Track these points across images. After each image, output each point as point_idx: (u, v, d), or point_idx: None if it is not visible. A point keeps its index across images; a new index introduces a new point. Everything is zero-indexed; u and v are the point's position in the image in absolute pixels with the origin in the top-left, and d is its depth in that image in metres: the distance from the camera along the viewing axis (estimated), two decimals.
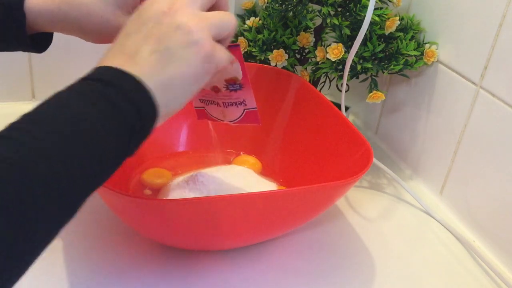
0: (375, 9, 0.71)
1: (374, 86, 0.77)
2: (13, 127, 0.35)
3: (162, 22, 0.42)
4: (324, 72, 0.77)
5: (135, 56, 0.41)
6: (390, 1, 0.76)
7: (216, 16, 0.44)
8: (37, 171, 0.33)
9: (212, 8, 0.46)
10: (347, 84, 0.77)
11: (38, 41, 0.55)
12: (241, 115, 0.57)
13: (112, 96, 0.38)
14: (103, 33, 0.53)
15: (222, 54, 0.45)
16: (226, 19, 0.45)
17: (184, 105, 0.44)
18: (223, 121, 0.59)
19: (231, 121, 0.58)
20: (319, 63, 0.76)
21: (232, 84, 0.55)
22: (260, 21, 0.82)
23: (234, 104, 0.56)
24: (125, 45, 0.43)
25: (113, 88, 0.38)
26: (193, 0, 0.44)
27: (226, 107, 0.57)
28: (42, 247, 0.34)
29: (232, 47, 0.52)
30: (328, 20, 0.72)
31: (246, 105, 0.56)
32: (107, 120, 0.38)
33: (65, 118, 0.36)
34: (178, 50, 0.42)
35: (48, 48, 0.58)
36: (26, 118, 0.36)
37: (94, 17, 0.52)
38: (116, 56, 0.42)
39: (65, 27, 0.53)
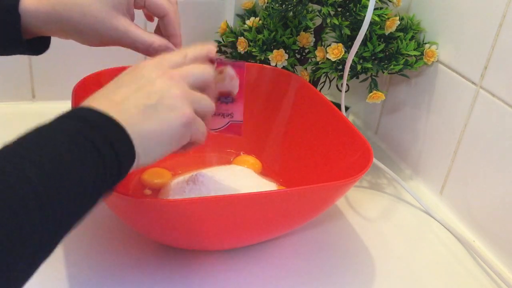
0: (375, 9, 0.71)
1: (374, 86, 0.77)
2: None
3: (154, 82, 0.45)
4: (324, 72, 0.77)
5: (122, 104, 0.43)
6: (390, 1, 0.76)
7: (199, 96, 0.48)
8: (13, 207, 0.33)
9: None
10: (347, 84, 0.77)
11: (36, 45, 0.55)
12: (225, 125, 0.58)
13: (95, 139, 0.39)
14: (98, 35, 0.53)
15: (200, 127, 0.48)
16: (207, 102, 0.49)
17: (156, 161, 0.46)
18: None
19: (213, 130, 0.59)
20: (319, 63, 0.76)
21: (225, 97, 0.56)
22: (260, 21, 0.82)
23: (220, 114, 0.57)
24: (114, 93, 0.44)
25: (96, 131, 0.39)
26: (185, 76, 0.47)
27: (211, 116, 0.57)
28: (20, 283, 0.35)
29: (237, 66, 0.53)
30: (328, 20, 0.72)
31: (232, 117, 0.57)
32: (87, 160, 0.38)
33: (45, 154, 0.36)
34: (162, 109, 0.44)
35: (48, 49, 0.58)
36: (8, 150, 0.36)
37: (89, 18, 0.52)
38: (102, 101, 0.43)
39: (60, 28, 0.53)
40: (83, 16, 0.52)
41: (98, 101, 0.43)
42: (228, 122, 0.57)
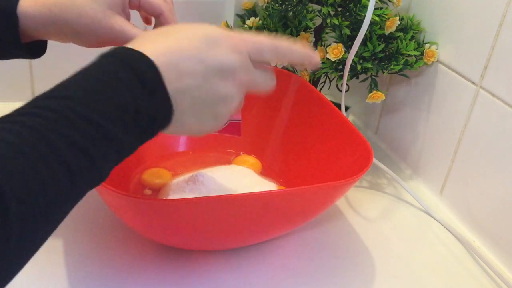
0: (375, 9, 0.71)
1: (374, 86, 0.77)
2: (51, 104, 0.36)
3: (226, 85, 0.44)
4: (324, 72, 0.77)
5: (184, 85, 0.42)
6: (390, 1, 0.76)
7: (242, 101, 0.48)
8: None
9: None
10: (347, 84, 0.77)
11: (32, 49, 0.56)
12: (223, 125, 0.57)
13: (143, 101, 0.39)
14: (95, 35, 0.53)
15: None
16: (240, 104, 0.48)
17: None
18: None
19: None
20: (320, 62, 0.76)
21: None
22: (260, 21, 0.82)
23: None
24: (181, 65, 0.42)
25: (145, 92, 0.39)
26: (251, 86, 0.47)
27: None
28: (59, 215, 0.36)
29: None
30: (328, 20, 0.72)
31: (231, 116, 0.56)
32: (128, 119, 0.39)
33: (96, 102, 0.37)
34: (210, 113, 0.45)
35: (48, 48, 0.58)
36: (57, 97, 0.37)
37: (85, 18, 0.52)
38: (170, 66, 0.41)
39: (57, 30, 0.53)
40: (79, 17, 0.52)
41: (166, 63, 0.41)
42: (227, 121, 0.57)
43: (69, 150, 0.34)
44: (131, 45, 0.42)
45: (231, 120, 0.57)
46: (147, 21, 0.61)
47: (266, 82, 0.48)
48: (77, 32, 0.53)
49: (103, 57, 0.40)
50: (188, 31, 0.44)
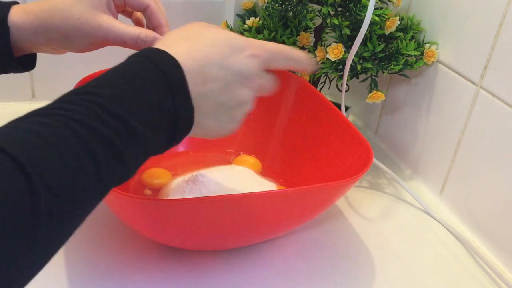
0: (375, 9, 0.71)
1: (374, 86, 0.77)
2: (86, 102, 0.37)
3: (243, 86, 0.46)
4: (324, 72, 0.77)
5: (204, 90, 0.44)
6: (390, 1, 0.76)
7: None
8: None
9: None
10: (347, 84, 0.77)
11: (23, 63, 0.56)
12: None
13: (166, 101, 0.40)
14: (85, 36, 0.53)
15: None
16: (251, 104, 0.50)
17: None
18: None
19: None
20: (319, 63, 0.77)
21: None
22: (260, 21, 0.82)
23: None
24: (206, 71, 0.44)
25: (168, 92, 0.40)
26: (262, 90, 0.49)
27: None
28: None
29: None
30: (328, 20, 0.72)
31: None
32: (156, 118, 0.40)
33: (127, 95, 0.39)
34: (228, 116, 0.47)
35: (34, 67, 0.58)
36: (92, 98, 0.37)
37: (72, 20, 0.52)
38: (196, 71, 0.43)
39: (47, 38, 0.53)
40: (66, 19, 0.52)
41: (193, 66, 0.43)
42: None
43: (97, 143, 0.35)
44: (158, 46, 0.43)
45: None
46: (138, 24, 0.61)
47: (272, 85, 0.50)
48: (66, 35, 0.53)
49: (131, 57, 0.42)
50: (210, 36, 0.46)
